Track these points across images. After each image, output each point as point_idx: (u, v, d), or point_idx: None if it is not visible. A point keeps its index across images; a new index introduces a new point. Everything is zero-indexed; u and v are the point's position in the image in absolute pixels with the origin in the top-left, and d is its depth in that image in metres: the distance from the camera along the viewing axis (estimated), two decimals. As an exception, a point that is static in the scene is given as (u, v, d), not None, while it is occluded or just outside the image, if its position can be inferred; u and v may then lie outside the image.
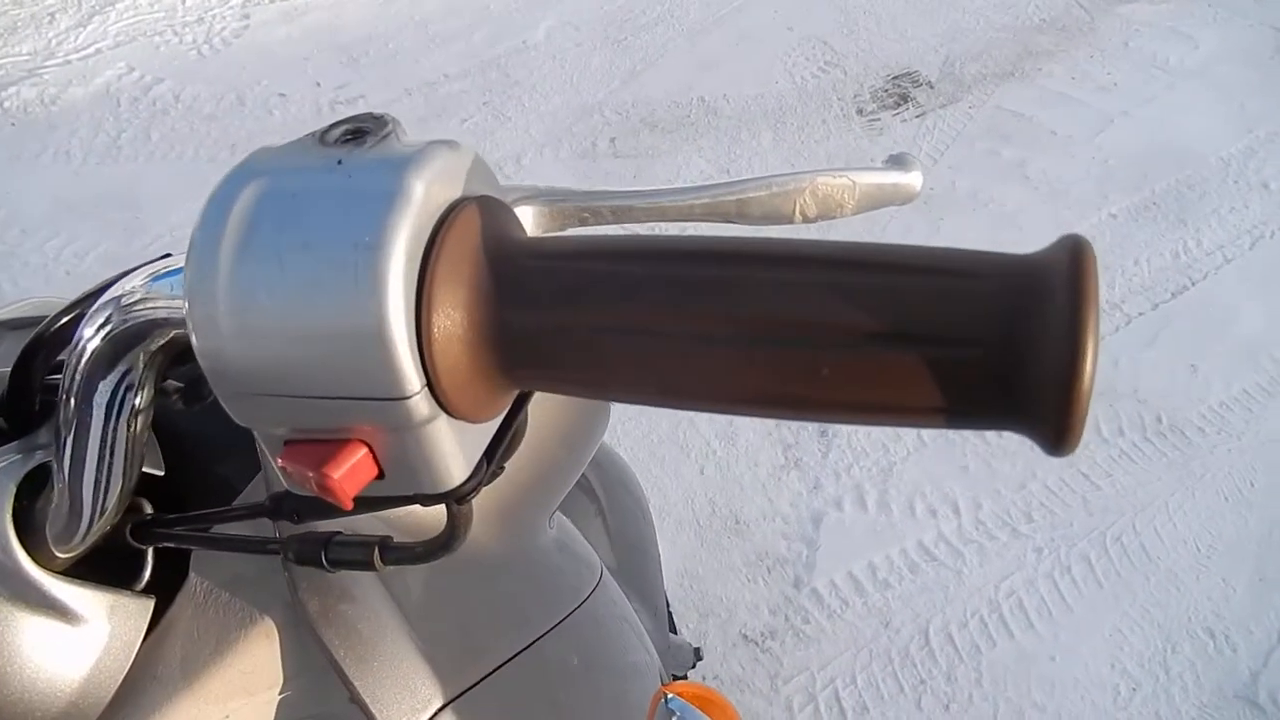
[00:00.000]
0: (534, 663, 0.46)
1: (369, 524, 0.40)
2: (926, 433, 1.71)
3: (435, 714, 0.42)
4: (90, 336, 0.32)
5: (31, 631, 0.35)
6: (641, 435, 1.69)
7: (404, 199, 0.25)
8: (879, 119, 2.42)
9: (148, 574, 0.39)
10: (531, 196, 0.37)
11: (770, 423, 1.73)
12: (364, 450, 0.27)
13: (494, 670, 0.44)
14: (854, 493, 1.62)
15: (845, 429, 1.72)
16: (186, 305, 0.26)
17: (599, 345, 0.26)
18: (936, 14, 2.82)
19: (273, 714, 0.44)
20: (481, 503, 0.42)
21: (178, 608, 0.40)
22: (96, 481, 0.34)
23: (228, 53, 2.48)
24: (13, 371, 0.38)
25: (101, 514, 0.35)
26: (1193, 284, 1.98)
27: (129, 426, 0.33)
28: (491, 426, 0.31)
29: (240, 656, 0.41)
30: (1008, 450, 1.68)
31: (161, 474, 0.41)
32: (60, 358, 0.38)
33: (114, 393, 0.32)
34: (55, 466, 0.34)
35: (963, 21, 2.79)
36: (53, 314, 0.37)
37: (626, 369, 0.26)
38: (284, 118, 2.23)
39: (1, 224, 2.00)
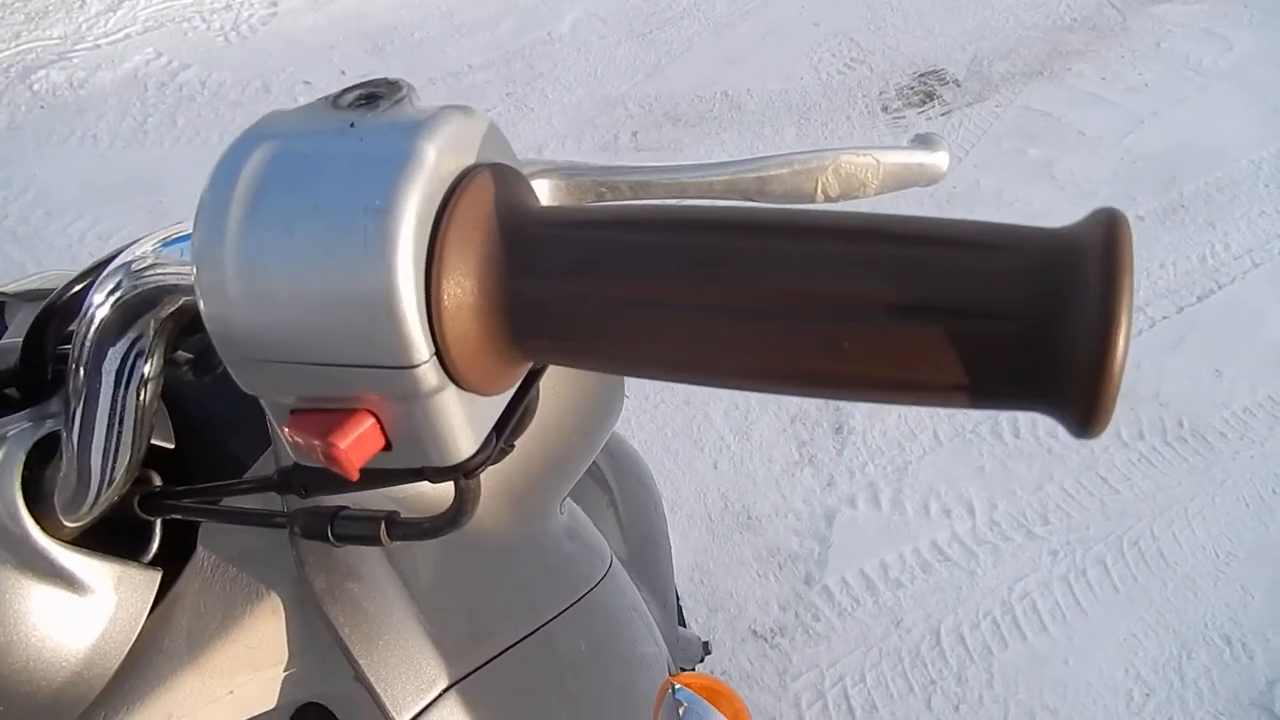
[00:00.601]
0: (541, 647, 0.46)
1: (377, 501, 0.40)
2: (943, 432, 1.69)
3: (440, 695, 0.42)
4: (100, 303, 0.32)
5: (38, 600, 0.36)
6: (656, 429, 1.69)
7: (416, 163, 0.25)
8: (904, 116, 2.40)
9: (155, 546, 0.40)
10: (548, 170, 0.37)
11: (785, 418, 1.72)
12: (371, 421, 0.27)
13: (500, 653, 0.44)
14: (868, 490, 1.61)
15: (861, 426, 1.71)
16: (194, 269, 0.26)
17: (614, 317, 0.25)
18: (965, 11, 2.79)
19: (278, 690, 0.44)
20: (492, 485, 0.42)
21: (184, 581, 0.40)
22: (105, 450, 0.34)
23: (254, 40, 2.50)
24: (25, 341, 0.38)
25: (110, 483, 0.35)
26: (1220, 288, 1.95)
27: (138, 395, 0.33)
28: (501, 401, 0.30)
29: (246, 631, 0.41)
30: (1024, 451, 1.66)
31: (171, 447, 0.41)
32: (72, 327, 0.39)
33: (123, 360, 0.32)
34: (64, 435, 0.34)
35: (992, 19, 2.76)
36: (64, 284, 0.38)
37: (641, 341, 0.25)
38: (308, 105, 2.24)
39: (28, 205, 2.03)
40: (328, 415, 0.27)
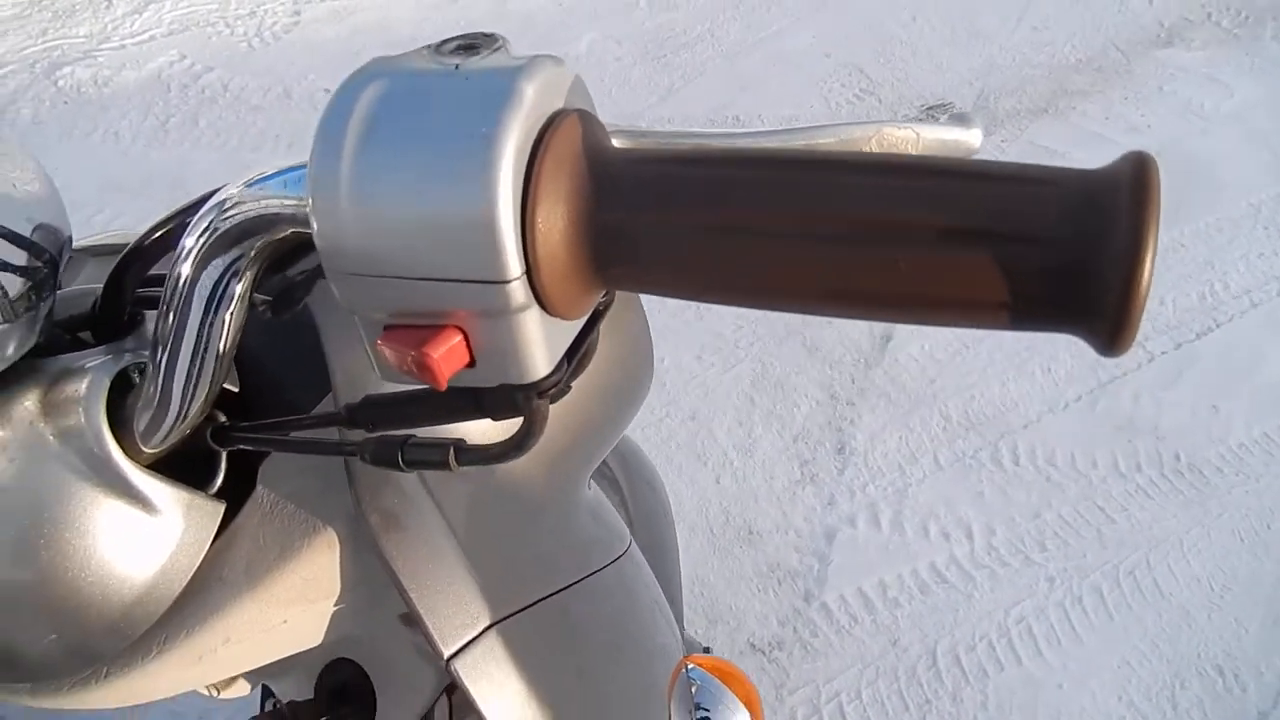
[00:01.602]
0: (568, 606, 0.49)
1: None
2: (943, 456, 1.71)
3: (481, 633, 0.44)
4: (199, 231, 0.34)
5: (116, 520, 0.38)
6: (660, 440, 1.71)
7: (518, 98, 0.27)
8: (911, 147, 2.44)
9: (220, 480, 0.42)
10: (616, 129, 0.40)
11: (788, 436, 1.74)
12: (459, 336, 0.29)
13: (533, 604, 0.46)
14: (868, 511, 1.63)
15: (863, 446, 1.73)
16: (310, 184, 0.28)
17: (687, 244, 0.28)
18: (972, 48, 2.85)
19: (326, 624, 0.46)
20: (531, 451, 0.44)
21: (244, 516, 0.42)
22: (189, 375, 0.36)
23: (277, 46, 2.54)
24: (107, 282, 0.40)
25: (189, 411, 0.37)
26: (1218, 326, 1.98)
27: (225, 324, 0.35)
28: (572, 330, 0.33)
29: (302, 565, 0.43)
30: (1023, 479, 1.68)
31: (236, 390, 0.43)
32: (152, 271, 0.41)
33: (215, 288, 0.34)
34: (150, 363, 0.36)
35: (999, 57, 2.81)
36: (145, 229, 0.40)
37: (711, 266, 0.28)
38: (328, 112, 2.28)
39: (49, 198, 2.05)
40: (419, 331, 0.29)
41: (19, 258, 0.36)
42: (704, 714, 0.54)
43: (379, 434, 0.36)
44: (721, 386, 1.82)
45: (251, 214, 0.33)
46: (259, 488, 0.43)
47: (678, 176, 0.28)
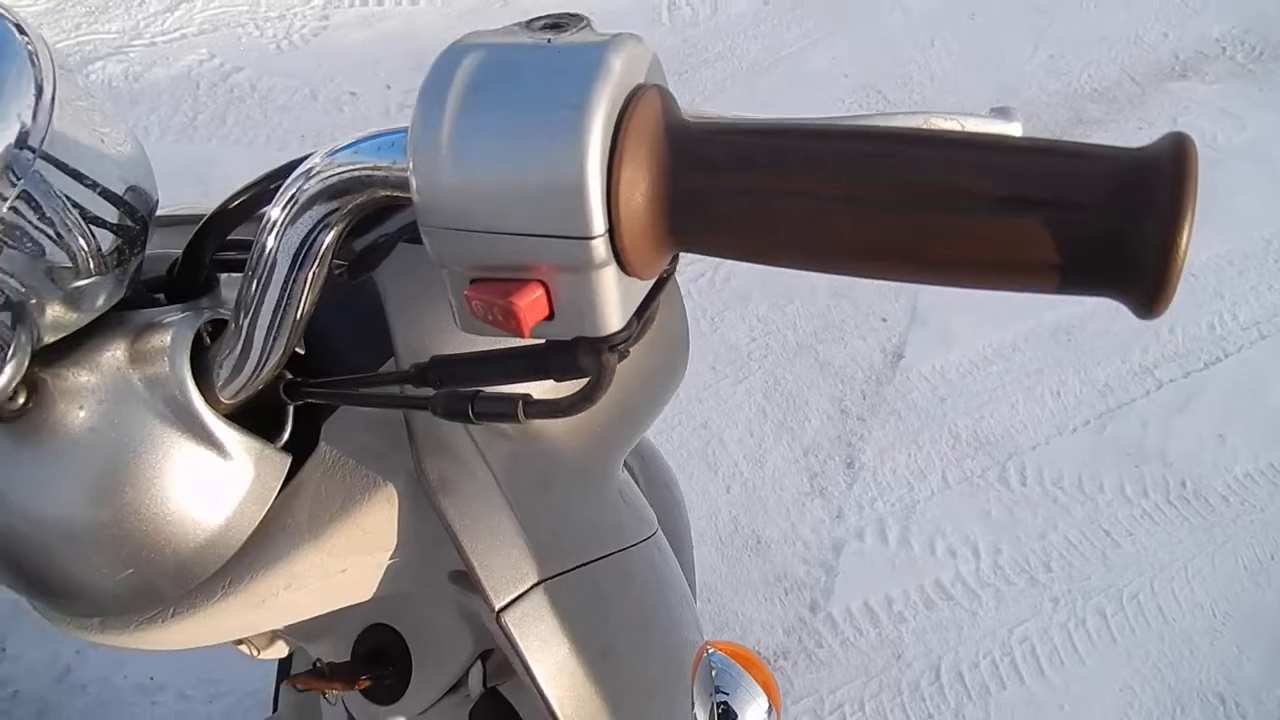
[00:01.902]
0: (602, 576, 0.51)
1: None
2: (952, 475, 1.73)
3: (530, 588, 0.47)
4: (291, 193, 0.35)
5: (194, 463, 0.40)
6: (672, 449, 1.73)
7: (607, 71, 0.30)
8: (927, 169, 2.47)
9: (287, 434, 0.44)
10: (687, 110, 0.42)
11: (799, 449, 1.76)
12: (541, 290, 0.32)
13: (572, 569, 0.49)
14: (876, 525, 1.65)
15: (871, 462, 1.74)
16: (412, 144, 0.30)
17: (757, 209, 0.30)
18: (989, 74, 2.88)
19: (380, 576, 0.48)
20: (579, 421, 0.47)
21: (307, 470, 0.45)
22: (269, 331, 0.38)
23: (305, 49, 2.58)
24: (188, 245, 0.43)
25: (266, 365, 0.39)
26: (1226, 356, 2.00)
27: (306, 284, 0.37)
28: (643, 290, 0.35)
29: (363, 517, 0.45)
30: (1030, 499, 1.70)
31: (303, 352, 0.45)
32: (231, 236, 0.43)
33: (300, 248, 0.36)
34: (231, 319, 0.39)
35: (1015, 82, 2.85)
36: (225, 199, 0.42)
37: (780, 230, 0.30)
38: (353, 114, 2.31)
39: (77, 189, 2.08)
40: (505, 283, 0.32)
41: (112, 215, 0.38)
42: (723, 698, 0.56)
43: (448, 389, 0.38)
44: (734, 397, 1.84)
45: (343, 177, 0.34)
46: (322, 444, 0.45)
47: (748, 145, 0.30)
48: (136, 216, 0.40)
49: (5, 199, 0.33)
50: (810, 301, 2.02)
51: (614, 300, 0.32)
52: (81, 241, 0.37)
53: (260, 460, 0.42)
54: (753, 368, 1.90)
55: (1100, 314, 2.01)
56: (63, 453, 0.39)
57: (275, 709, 1.17)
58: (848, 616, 1.51)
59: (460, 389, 0.38)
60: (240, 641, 0.61)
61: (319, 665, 0.59)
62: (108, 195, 0.38)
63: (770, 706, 0.59)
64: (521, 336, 0.33)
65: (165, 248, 0.45)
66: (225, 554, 0.42)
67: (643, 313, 0.35)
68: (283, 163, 0.41)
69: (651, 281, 0.35)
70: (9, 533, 0.41)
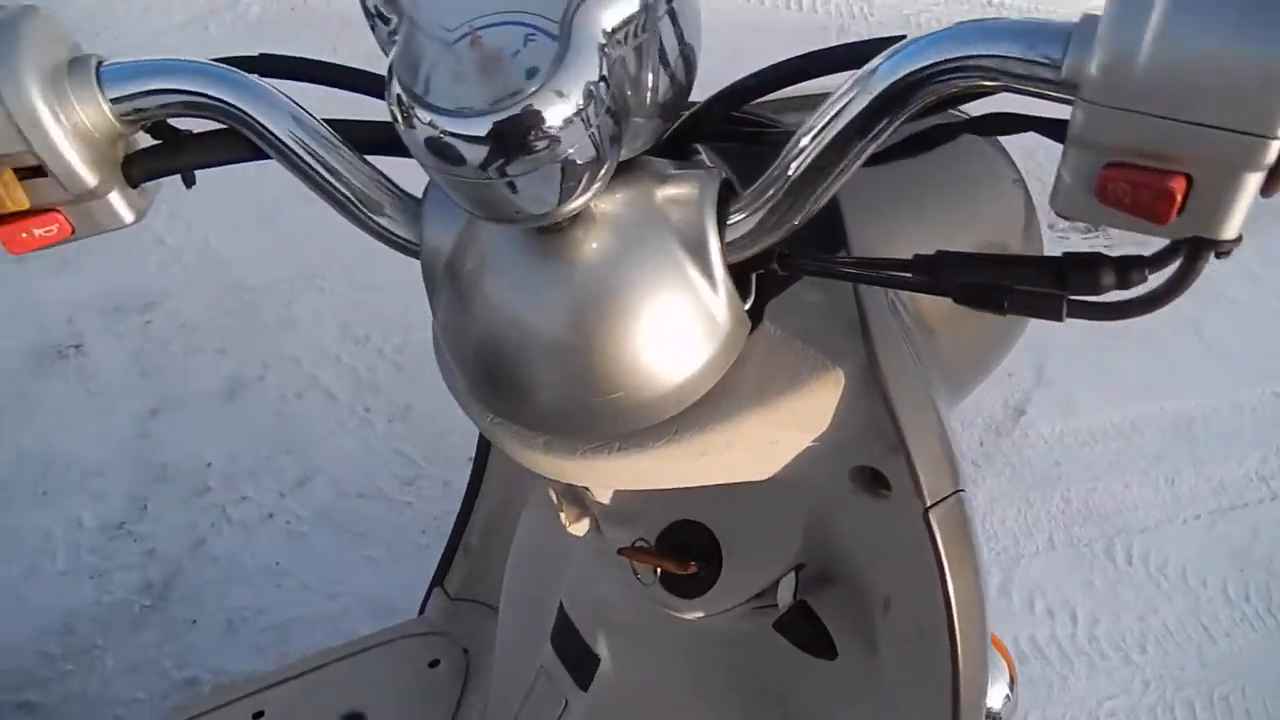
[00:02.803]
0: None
1: None
2: (1058, 538, 1.74)
3: (952, 494, 0.49)
4: (883, 80, 0.36)
5: (693, 306, 0.43)
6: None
7: None
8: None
9: (749, 303, 0.46)
10: None
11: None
12: (1183, 184, 0.31)
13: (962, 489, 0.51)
14: (980, 571, 1.66)
15: (981, 508, 1.76)
16: (1114, 19, 0.30)
17: None
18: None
19: (795, 455, 0.50)
20: (968, 348, 0.52)
21: (754, 341, 0.47)
22: (796, 202, 0.40)
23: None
24: (694, 113, 0.45)
25: (778, 233, 0.42)
26: (1348, 481, 1.98)
27: (850, 166, 0.39)
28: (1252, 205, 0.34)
29: (806, 395, 0.47)
30: (1134, 580, 1.71)
31: None
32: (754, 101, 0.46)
33: (860, 131, 0.38)
34: (760, 185, 0.41)
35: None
36: (755, 72, 0.44)
37: None
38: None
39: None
40: (1148, 171, 0.32)
41: (681, 69, 0.41)
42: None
43: (973, 280, 0.40)
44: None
45: (942, 68, 0.35)
46: (765, 322, 0.48)
47: None
48: (688, 77, 0.42)
49: (641, 32, 0.36)
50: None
51: (1245, 207, 0.31)
52: (661, 81, 0.40)
53: (738, 320, 0.44)
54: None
55: (1224, 412, 2.01)
56: (585, 271, 0.41)
57: (421, 613, 1.21)
58: (942, 652, 1.53)
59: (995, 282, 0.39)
60: (560, 506, 0.63)
61: (639, 544, 0.60)
62: (683, 53, 0.41)
63: (1011, 680, 0.62)
64: (1161, 224, 0.32)
65: None
66: (689, 399, 0.44)
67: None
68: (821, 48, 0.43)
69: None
70: (496, 335, 0.43)
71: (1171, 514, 1.84)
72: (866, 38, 0.42)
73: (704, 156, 0.47)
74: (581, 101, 0.34)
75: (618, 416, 0.44)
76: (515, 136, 0.34)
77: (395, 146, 0.49)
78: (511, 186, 0.36)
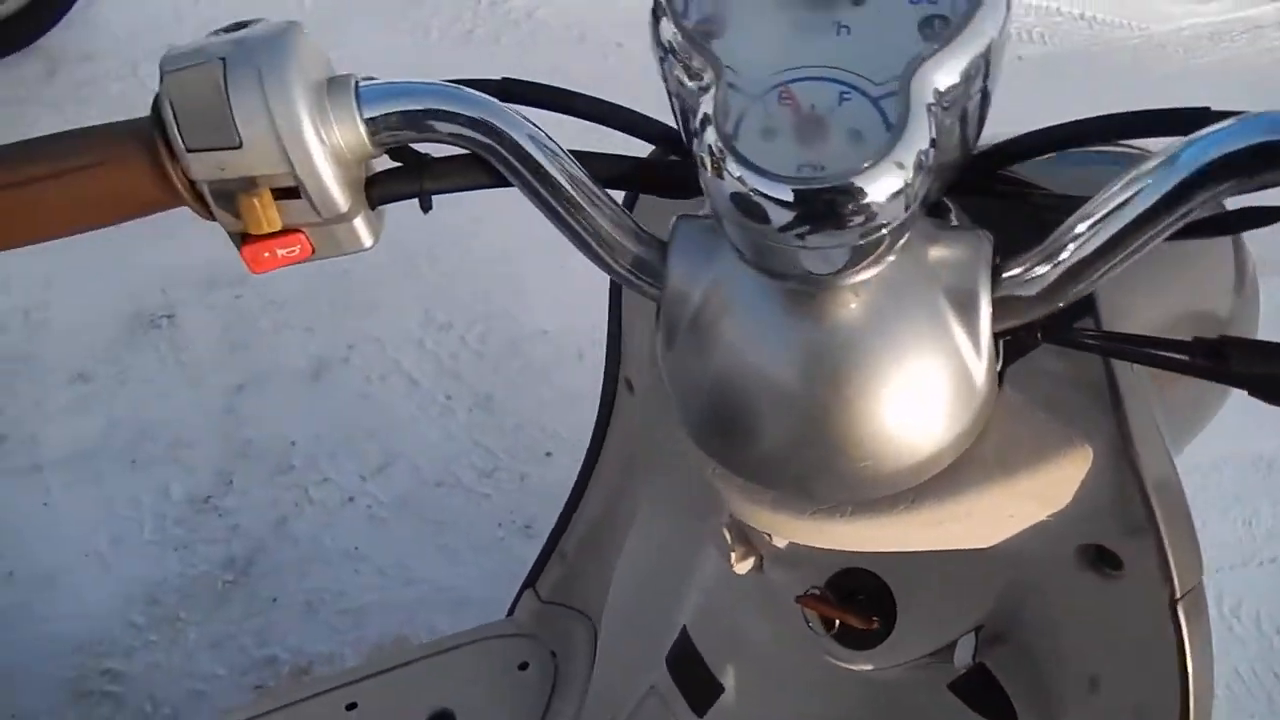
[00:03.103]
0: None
1: None
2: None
3: (1199, 583, 0.46)
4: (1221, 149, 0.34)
5: (955, 375, 0.40)
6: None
7: None
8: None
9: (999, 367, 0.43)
10: None
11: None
12: None
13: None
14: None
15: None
16: None
17: None
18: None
19: (1026, 527, 0.47)
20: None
21: (996, 409, 0.44)
22: (1081, 275, 0.38)
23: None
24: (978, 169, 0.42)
25: (1057, 304, 0.39)
26: None
27: (1158, 235, 0.36)
28: None
29: (1053, 468, 0.45)
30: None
31: None
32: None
33: (1183, 199, 0.35)
34: (1048, 247, 0.39)
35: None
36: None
37: None
38: (616, 65, 2.36)
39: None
40: None
41: (967, 126, 0.37)
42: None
43: (1266, 371, 0.37)
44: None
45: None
46: (1006, 388, 0.44)
47: None
48: (979, 131, 0.40)
49: (972, 90, 0.34)
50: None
51: None
52: (959, 138, 0.37)
53: (993, 387, 0.41)
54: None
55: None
56: (851, 332, 0.39)
57: (510, 613, 1.23)
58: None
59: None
60: (731, 545, 0.61)
61: (816, 591, 0.58)
62: (983, 106, 0.38)
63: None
64: None
65: None
66: (936, 468, 0.42)
67: None
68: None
69: None
70: (742, 389, 0.41)
71: (1247, 556, 1.81)
72: (1143, 108, 0.40)
73: (954, 213, 0.44)
74: (911, 175, 0.31)
75: (862, 483, 0.42)
76: (832, 207, 0.31)
77: (635, 182, 0.49)
78: (803, 246, 0.34)
